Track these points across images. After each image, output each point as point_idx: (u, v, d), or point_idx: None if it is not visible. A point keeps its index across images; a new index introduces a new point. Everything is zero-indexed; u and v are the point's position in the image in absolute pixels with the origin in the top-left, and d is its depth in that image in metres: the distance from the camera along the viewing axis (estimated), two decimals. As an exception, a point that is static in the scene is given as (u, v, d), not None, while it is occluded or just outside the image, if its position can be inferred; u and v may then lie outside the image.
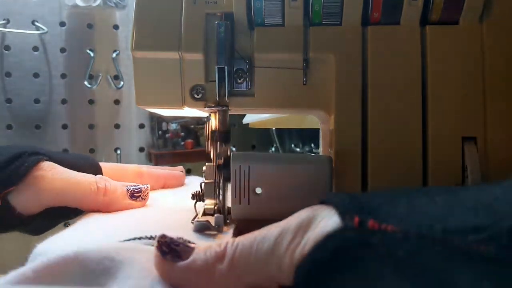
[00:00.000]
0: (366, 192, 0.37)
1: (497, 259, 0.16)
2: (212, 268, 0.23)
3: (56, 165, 0.43)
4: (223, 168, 0.38)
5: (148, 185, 0.46)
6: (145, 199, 0.45)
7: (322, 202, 0.24)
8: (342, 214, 0.21)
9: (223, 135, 0.41)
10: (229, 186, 0.38)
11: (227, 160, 0.38)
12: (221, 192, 0.39)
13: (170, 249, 0.25)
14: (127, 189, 0.44)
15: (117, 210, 0.43)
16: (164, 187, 0.55)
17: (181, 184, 0.56)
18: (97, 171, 0.48)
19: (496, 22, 0.38)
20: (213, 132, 0.41)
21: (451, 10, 0.38)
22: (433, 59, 0.38)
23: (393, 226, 0.19)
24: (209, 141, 0.41)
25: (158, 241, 0.25)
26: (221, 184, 0.39)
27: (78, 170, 0.44)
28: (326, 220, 0.22)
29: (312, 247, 0.21)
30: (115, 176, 0.48)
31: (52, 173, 0.41)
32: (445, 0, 0.38)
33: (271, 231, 0.24)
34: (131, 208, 0.44)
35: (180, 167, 0.59)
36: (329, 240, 0.20)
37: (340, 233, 0.20)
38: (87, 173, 0.45)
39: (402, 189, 0.23)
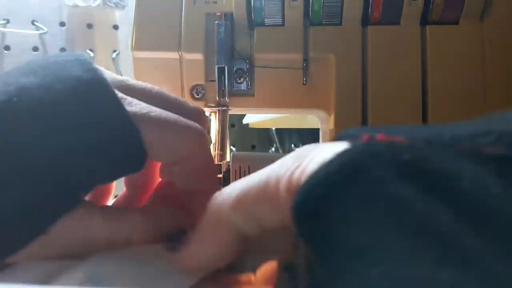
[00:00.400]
0: None
1: (506, 157, 0.16)
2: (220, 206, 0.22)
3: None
4: (223, 183, 0.37)
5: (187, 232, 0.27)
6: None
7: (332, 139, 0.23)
8: (352, 137, 0.20)
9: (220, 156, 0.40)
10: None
11: (226, 175, 0.37)
12: None
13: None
14: (173, 234, 0.27)
15: None
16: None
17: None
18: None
19: (496, 22, 0.38)
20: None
21: (451, 10, 0.38)
22: (433, 59, 0.38)
23: (402, 137, 0.18)
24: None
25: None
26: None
27: None
28: (331, 146, 0.20)
29: (318, 166, 0.19)
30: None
31: None
32: (445, 0, 0.38)
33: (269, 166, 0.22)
34: None
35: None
36: (338, 156, 0.18)
37: (349, 149, 0.19)
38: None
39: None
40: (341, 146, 0.19)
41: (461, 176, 0.16)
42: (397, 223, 0.16)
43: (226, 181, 0.37)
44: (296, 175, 0.20)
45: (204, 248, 0.23)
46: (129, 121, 0.25)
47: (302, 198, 0.19)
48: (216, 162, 0.40)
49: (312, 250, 0.18)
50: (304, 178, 0.19)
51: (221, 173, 0.38)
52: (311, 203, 0.18)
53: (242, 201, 0.22)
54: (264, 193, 0.21)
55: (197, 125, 0.29)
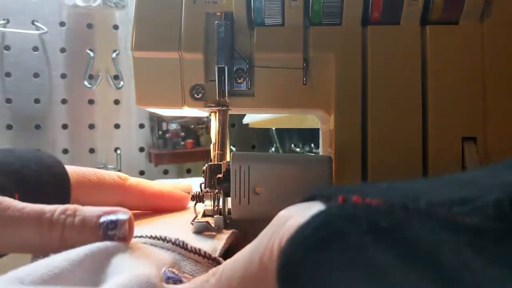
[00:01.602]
0: None
1: (482, 229, 0.16)
2: (203, 284, 0.24)
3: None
4: (223, 183, 0.37)
5: (127, 215, 0.29)
6: (124, 237, 0.28)
7: (303, 199, 0.24)
8: (326, 199, 0.20)
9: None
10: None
11: (226, 175, 0.37)
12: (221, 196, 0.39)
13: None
14: (100, 224, 0.28)
15: None
16: (156, 209, 0.42)
17: (182, 207, 0.43)
18: (63, 184, 0.36)
19: (496, 22, 0.38)
20: (211, 166, 0.40)
21: (451, 10, 0.38)
22: (433, 59, 0.38)
23: (376, 199, 0.18)
24: (207, 176, 0.40)
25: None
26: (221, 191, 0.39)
27: (38, 188, 0.33)
28: (307, 207, 0.21)
29: (295, 230, 0.19)
30: (87, 189, 0.37)
31: None
32: (445, 0, 0.38)
33: (253, 241, 0.24)
34: None
35: (189, 186, 0.45)
36: (313, 219, 0.19)
37: (324, 212, 0.19)
38: (49, 189, 0.34)
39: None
40: (316, 207, 0.20)
41: (441, 247, 0.16)
42: None
43: (226, 181, 0.37)
44: (276, 244, 0.21)
45: None
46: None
47: (282, 263, 0.19)
48: (216, 162, 0.40)
49: None
50: (283, 243, 0.20)
51: (221, 173, 0.38)
52: (291, 266, 0.19)
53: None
54: (250, 276, 0.22)
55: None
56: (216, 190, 0.38)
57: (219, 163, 0.39)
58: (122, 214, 0.29)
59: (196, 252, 0.31)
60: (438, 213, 0.17)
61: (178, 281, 0.28)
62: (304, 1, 0.39)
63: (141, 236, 0.31)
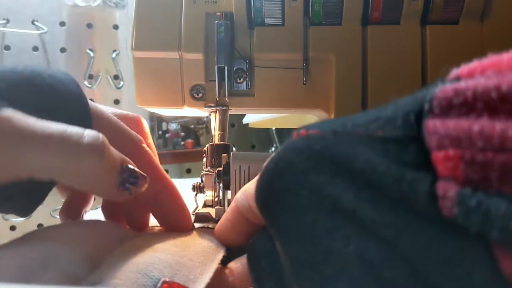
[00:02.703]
0: None
1: (389, 138, 0.19)
2: None
3: (11, 115, 0.24)
4: (223, 175, 0.38)
5: (147, 176, 0.29)
6: (134, 195, 0.28)
7: None
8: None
9: (223, 149, 0.40)
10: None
11: (226, 167, 0.37)
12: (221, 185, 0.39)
13: None
14: (122, 169, 0.27)
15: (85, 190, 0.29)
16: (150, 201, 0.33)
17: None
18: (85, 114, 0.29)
19: (496, 22, 0.38)
20: (212, 146, 0.40)
21: (451, 10, 0.38)
22: (433, 59, 0.38)
23: (315, 130, 0.22)
24: (208, 156, 0.40)
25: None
26: (221, 185, 0.39)
27: (58, 114, 0.26)
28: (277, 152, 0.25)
29: (264, 167, 0.24)
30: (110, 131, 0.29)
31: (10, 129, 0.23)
32: (445, 0, 0.38)
33: None
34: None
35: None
36: (274, 156, 0.23)
37: (283, 147, 0.23)
38: (72, 120, 0.26)
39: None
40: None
41: (357, 158, 0.19)
42: (316, 207, 0.20)
43: (225, 174, 0.37)
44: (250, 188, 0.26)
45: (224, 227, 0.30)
46: (87, 110, 0.29)
47: (256, 193, 0.24)
48: (217, 142, 0.40)
49: (273, 235, 0.23)
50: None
51: (221, 154, 0.39)
52: (260, 196, 0.24)
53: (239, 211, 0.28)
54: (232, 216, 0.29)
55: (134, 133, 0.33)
56: (217, 179, 0.38)
57: (220, 143, 0.40)
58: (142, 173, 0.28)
59: None
60: (358, 132, 0.20)
61: None
62: (304, 1, 0.39)
63: None
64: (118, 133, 0.32)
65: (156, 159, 0.35)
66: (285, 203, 0.22)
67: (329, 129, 0.22)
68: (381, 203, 0.18)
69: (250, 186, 0.27)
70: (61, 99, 0.28)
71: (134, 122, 0.37)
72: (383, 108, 0.21)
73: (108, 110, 0.33)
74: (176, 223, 0.33)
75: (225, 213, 0.30)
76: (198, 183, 0.41)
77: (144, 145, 0.34)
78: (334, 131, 0.21)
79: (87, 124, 0.28)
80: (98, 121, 0.30)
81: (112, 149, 0.26)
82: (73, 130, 0.25)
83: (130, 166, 0.28)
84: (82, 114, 0.29)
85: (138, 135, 0.34)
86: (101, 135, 0.26)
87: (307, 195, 0.21)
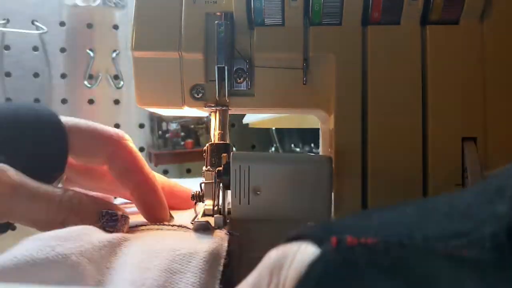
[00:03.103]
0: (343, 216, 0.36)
1: (481, 261, 0.16)
2: None
3: (6, 169, 0.32)
4: (223, 175, 0.38)
5: (128, 216, 0.35)
6: (121, 230, 0.33)
7: (290, 239, 0.22)
8: (317, 241, 0.20)
9: (223, 148, 0.40)
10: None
11: (226, 167, 0.37)
12: (220, 193, 0.39)
13: None
14: (101, 214, 0.33)
15: None
16: (135, 190, 0.40)
17: (187, 206, 0.43)
18: (60, 132, 0.37)
19: (496, 22, 0.38)
20: (212, 145, 0.40)
21: (451, 10, 0.38)
22: (433, 59, 0.38)
23: (372, 238, 0.18)
24: (208, 155, 0.40)
25: None
26: (220, 185, 0.39)
27: (36, 137, 0.35)
28: (301, 253, 0.20)
29: (293, 284, 0.19)
30: (81, 136, 0.38)
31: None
32: (445, 0, 0.38)
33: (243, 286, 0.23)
34: None
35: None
36: (310, 271, 0.19)
37: (320, 259, 0.19)
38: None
39: (371, 209, 0.22)
40: (311, 252, 0.19)
41: (442, 280, 0.16)
42: None
43: (226, 174, 0.37)
44: None
45: None
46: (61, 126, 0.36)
47: None
48: (217, 141, 0.40)
49: None
50: None
51: (221, 153, 0.39)
52: None
53: None
54: None
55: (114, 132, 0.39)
56: (217, 179, 0.38)
57: (220, 142, 0.40)
58: (122, 213, 0.34)
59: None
60: (436, 247, 0.17)
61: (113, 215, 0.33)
62: (304, 1, 0.39)
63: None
64: (96, 138, 0.38)
65: (137, 154, 0.40)
66: None
67: (392, 240, 0.18)
68: None
69: None
70: (40, 127, 0.36)
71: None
72: (450, 211, 0.18)
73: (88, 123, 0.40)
74: (154, 214, 0.39)
75: None
76: (197, 192, 0.41)
77: (125, 140, 0.39)
78: (401, 243, 0.18)
79: (64, 142, 0.37)
80: (75, 135, 0.37)
81: (86, 202, 0.33)
82: (55, 191, 0.32)
83: (108, 211, 0.33)
84: (59, 135, 0.36)
85: (118, 133, 0.39)
86: (76, 196, 0.33)
87: None
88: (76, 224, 0.31)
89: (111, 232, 0.32)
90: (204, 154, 0.41)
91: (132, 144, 0.40)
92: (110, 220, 0.33)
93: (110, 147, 0.39)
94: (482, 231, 0.17)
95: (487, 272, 0.16)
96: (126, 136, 0.40)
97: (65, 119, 0.38)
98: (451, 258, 0.17)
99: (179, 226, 0.36)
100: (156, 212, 0.39)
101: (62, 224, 0.31)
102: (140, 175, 0.39)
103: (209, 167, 0.39)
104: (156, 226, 0.37)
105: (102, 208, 0.33)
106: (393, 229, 0.18)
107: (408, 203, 0.21)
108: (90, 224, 0.31)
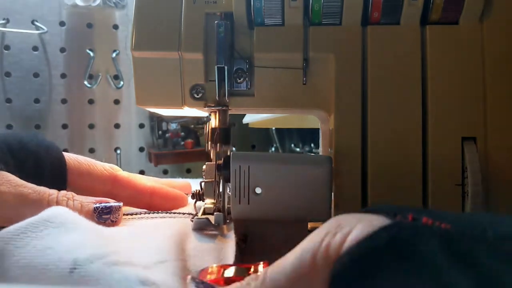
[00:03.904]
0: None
1: None
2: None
3: (5, 175, 0.34)
4: (223, 169, 0.38)
5: (121, 203, 0.37)
6: (115, 221, 0.36)
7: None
8: (392, 214, 0.20)
9: (223, 135, 0.41)
10: (229, 186, 0.38)
11: (227, 160, 0.38)
12: (220, 191, 0.39)
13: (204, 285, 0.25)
14: (95, 208, 0.35)
15: None
16: (149, 204, 0.42)
17: (177, 206, 0.43)
18: (61, 169, 0.40)
19: (496, 22, 0.38)
20: (213, 130, 0.41)
21: (451, 10, 0.38)
22: (433, 59, 0.38)
23: (447, 224, 0.19)
24: (209, 141, 0.41)
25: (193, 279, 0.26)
26: (221, 183, 0.39)
27: (37, 171, 0.38)
28: (371, 219, 0.20)
29: (364, 237, 0.19)
30: (80, 174, 0.41)
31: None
32: (445, 0, 0.38)
33: (301, 244, 0.23)
34: None
35: (187, 183, 0.47)
36: (383, 230, 0.19)
37: (396, 224, 0.19)
38: (49, 175, 0.38)
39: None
40: (381, 220, 0.20)
41: (504, 277, 0.16)
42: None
43: (225, 167, 0.38)
44: (334, 245, 0.20)
45: None
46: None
47: (345, 267, 0.19)
48: (215, 161, 0.40)
49: None
50: (345, 247, 0.20)
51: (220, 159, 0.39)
52: (355, 270, 0.19)
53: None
54: (299, 274, 0.21)
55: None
56: (217, 172, 0.38)
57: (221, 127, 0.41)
58: (116, 202, 0.36)
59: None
60: (505, 245, 0.17)
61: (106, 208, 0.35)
62: (304, 1, 0.39)
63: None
64: (93, 179, 0.42)
65: (132, 181, 0.43)
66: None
67: (465, 230, 0.18)
68: None
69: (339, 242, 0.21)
70: (44, 159, 0.39)
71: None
72: None
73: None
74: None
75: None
76: (197, 191, 0.41)
77: (118, 172, 0.43)
78: (473, 235, 0.18)
79: (63, 174, 0.40)
80: (74, 170, 0.41)
81: (80, 198, 0.36)
82: (49, 191, 0.35)
83: (100, 204, 0.36)
84: (60, 169, 0.40)
85: (112, 168, 0.43)
86: (68, 194, 0.35)
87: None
88: None
89: (104, 223, 0.35)
90: (205, 131, 0.42)
91: (123, 172, 0.44)
92: (103, 213, 0.35)
93: (107, 185, 0.42)
94: None
95: None
96: (116, 168, 0.44)
97: (70, 156, 0.42)
98: None
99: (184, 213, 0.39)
100: (178, 207, 0.42)
101: None
102: (146, 195, 0.42)
103: (210, 142, 0.40)
104: (161, 214, 0.40)
105: (94, 202, 0.36)
106: (467, 223, 0.19)
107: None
108: (85, 217, 0.33)
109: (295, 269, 0.21)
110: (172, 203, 0.42)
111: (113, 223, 0.35)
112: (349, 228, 0.20)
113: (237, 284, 0.24)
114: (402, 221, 0.20)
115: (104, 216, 0.35)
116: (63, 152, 0.42)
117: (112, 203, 0.36)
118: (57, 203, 0.34)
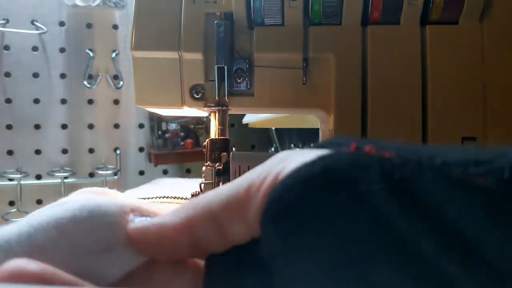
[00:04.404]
0: None
1: (494, 191, 0.15)
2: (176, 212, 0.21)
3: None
4: (222, 174, 0.38)
5: None
6: None
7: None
8: (336, 146, 0.19)
9: (223, 144, 0.40)
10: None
11: (226, 166, 0.38)
12: None
13: None
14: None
15: None
16: None
17: None
18: None
19: (496, 22, 0.38)
20: (212, 141, 0.40)
21: (451, 10, 0.38)
22: (433, 59, 0.38)
23: (391, 152, 0.17)
24: (208, 151, 0.40)
25: None
26: (220, 185, 0.39)
27: None
28: (313, 151, 0.19)
29: (298, 167, 0.18)
30: None
31: None
32: (445, 0, 0.38)
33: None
34: None
35: None
36: (321, 159, 0.18)
37: (334, 154, 0.18)
38: None
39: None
40: (324, 152, 0.19)
41: (449, 205, 0.16)
42: (377, 240, 0.16)
43: (225, 172, 0.37)
44: (270, 177, 0.19)
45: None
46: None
47: (277, 196, 0.18)
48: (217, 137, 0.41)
49: (276, 263, 0.18)
50: (280, 177, 0.18)
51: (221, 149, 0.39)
52: (285, 201, 0.18)
53: (208, 211, 0.20)
54: (233, 200, 0.20)
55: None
56: (216, 176, 0.38)
57: (220, 137, 0.40)
58: None
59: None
60: (452, 172, 0.16)
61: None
62: (303, 1, 0.39)
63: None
64: None
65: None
66: (328, 225, 0.17)
67: (411, 157, 0.17)
68: (469, 269, 0.15)
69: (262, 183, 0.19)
70: None
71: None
72: (477, 149, 0.17)
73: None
74: None
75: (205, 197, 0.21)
76: (197, 192, 0.41)
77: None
78: (419, 162, 0.17)
79: None
80: None
81: None
82: None
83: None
84: None
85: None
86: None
87: (366, 225, 0.16)
88: None
89: None
90: (204, 150, 0.41)
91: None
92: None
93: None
94: (502, 161, 0.16)
95: (499, 203, 0.15)
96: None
97: None
98: (465, 184, 0.16)
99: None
100: None
101: None
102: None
103: (209, 162, 0.39)
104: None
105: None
106: (414, 152, 0.17)
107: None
108: None
109: (228, 196, 0.20)
110: None
111: None
112: (289, 161, 0.19)
113: (178, 206, 0.21)
114: (342, 151, 0.18)
115: None
116: None
117: None
118: None
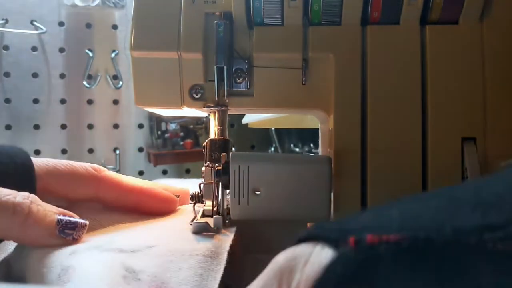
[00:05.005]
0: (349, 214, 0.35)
1: None
2: None
3: None
4: (222, 175, 0.38)
5: (87, 222, 0.33)
6: (77, 239, 0.32)
7: (299, 241, 0.21)
8: (333, 242, 0.18)
9: (222, 144, 0.40)
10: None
11: (225, 166, 0.37)
12: (219, 193, 0.39)
13: None
14: (58, 220, 0.31)
15: (32, 245, 0.32)
16: (136, 206, 0.40)
17: (167, 209, 0.41)
18: (27, 174, 0.36)
19: (496, 22, 0.38)
20: (212, 141, 0.40)
21: (451, 10, 0.38)
22: (433, 59, 0.38)
23: (395, 234, 0.16)
24: (208, 151, 0.40)
25: None
26: (220, 185, 0.39)
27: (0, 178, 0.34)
28: (316, 255, 0.19)
29: (311, 281, 0.18)
30: (59, 179, 0.37)
31: None
32: (445, 0, 0.37)
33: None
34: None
35: (186, 190, 0.43)
36: (329, 273, 0.17)
37: (339, 260, 0.17)
38: (11, 178, 0.34)
39: (387, 203, 0.20)
40: (325, 253, 0.18)
41: (479, 274, 0.15)
42: None
43: (225, 173, 0.37)
44: None
45: None
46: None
47: None
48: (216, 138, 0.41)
49: None
50: None
51: (220, 149, 0.39)
52: None
53: None
54: None
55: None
56: (216, 177, 0.38)
57: (219, 138, 0.39)
58: (81, 219, 0.33)
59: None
60: (469, 240, 0.16)
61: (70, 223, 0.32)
62: (303, 1, 0.38)
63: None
64: (76, 181, 0.38)
65: (118, 179, 0.40)
66: None
67: (418, 234, 0.16)
68: None
69: None
70: (7, 165, 0.35)
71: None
72: (477, 205, 0.17)
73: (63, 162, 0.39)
74: (166, 212, 0.40)
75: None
76: (196, 193, 0.41)
77: (102, 173, 0.39)
78: (428, 239, 0.16)
79: (30, 179, 0.35)
80: (44, 177, 0.36)
81: (44, 205, 0.32)
82: (13, 199, 0.30)
83: (66, 217, 0.32)
84: (26, 174, 0.35)
85: (94, 169, 0.39)
86: (30, 196, 0.31)
87: None
88: (34, 229, 0.30)
89: (65, 239, 0.32)
90: (203, 150, 0.41)
91: (108, 172, 0.40)
92: (67, 227, 0.32)
93: (91, 188, 0.38)
94: None
95: None
96: (101, 168, 0.40)
97: (44, 161, 0.37)
98: (485, 252, 0.15)
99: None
100: (167, 210, 0.41)
101: (21, 228, 0.30)
102: (133, 195, 0.39)
103: (208, 162, 0.39)
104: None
105: (58, 213, 0.32)
106: (418, 223, 0.16)
107: (427, 193, 0.20)
108: (46, 229, 0.31)
109: None
110: (161, 205, 0.40)
111: (74, 240, 0.32)
112: (298, 278, 0.18)
113: None
114: (345, 252, 0.17)
115: (67, 231, 0.32)
116: (37, 158, 0.37)
117: (78, 219, 0.33)
118: (18, 205, 0.30)
